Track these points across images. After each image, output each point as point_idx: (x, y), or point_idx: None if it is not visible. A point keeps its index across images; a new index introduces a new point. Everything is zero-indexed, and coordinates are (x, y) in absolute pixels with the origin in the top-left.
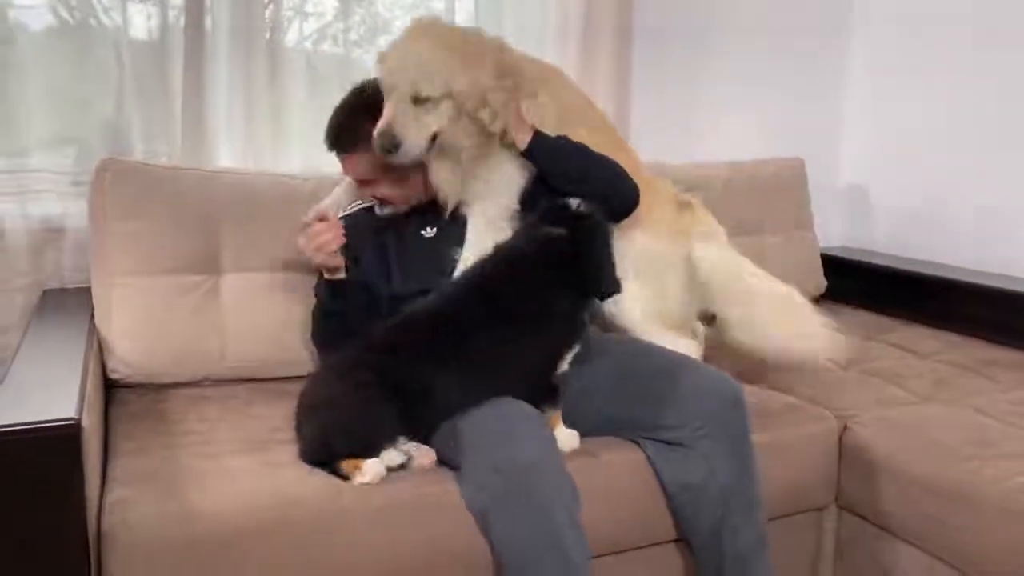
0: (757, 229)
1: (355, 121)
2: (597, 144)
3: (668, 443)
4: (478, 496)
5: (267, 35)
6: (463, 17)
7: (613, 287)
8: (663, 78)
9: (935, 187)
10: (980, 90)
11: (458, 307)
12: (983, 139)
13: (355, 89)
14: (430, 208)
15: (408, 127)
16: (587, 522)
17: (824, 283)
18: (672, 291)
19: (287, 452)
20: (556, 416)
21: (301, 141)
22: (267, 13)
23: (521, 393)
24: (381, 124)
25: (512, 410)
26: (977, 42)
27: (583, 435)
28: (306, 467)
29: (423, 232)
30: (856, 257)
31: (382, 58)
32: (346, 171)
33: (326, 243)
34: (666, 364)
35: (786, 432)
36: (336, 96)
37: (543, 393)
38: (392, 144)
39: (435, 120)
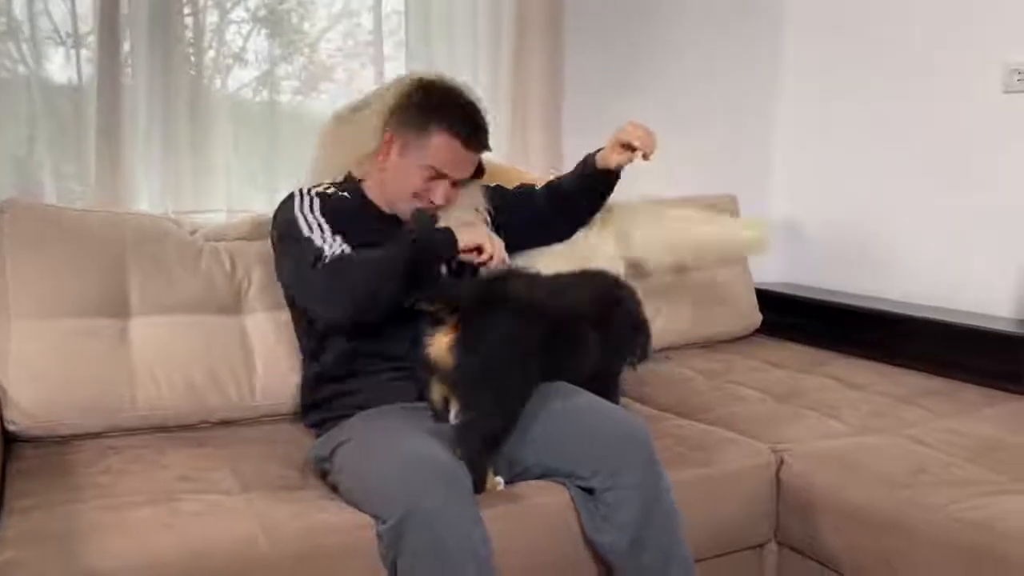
0: (692, 266)
1: (487, 122)
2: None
3: (585, 489)
4: (386, 546)
5: (190, 74)
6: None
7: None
8: (592, 116)
9: (865, 221)
10: (905, 124)
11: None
12: (911, 172)
13: (469, 88)
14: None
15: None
16: (514, 569)
17: (759, 318)
18: None
19: (198, 502)
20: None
21: (224, 180)
22: (190, 55)
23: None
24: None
25: (420, 454)
26: (900, 75)
27: (508, 481)
28: (219, 516)
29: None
30: (791, 292)
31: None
32: (460, 168)
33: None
34: (581, 411)
35: (721, 467)
36: (261, 138)
37: None
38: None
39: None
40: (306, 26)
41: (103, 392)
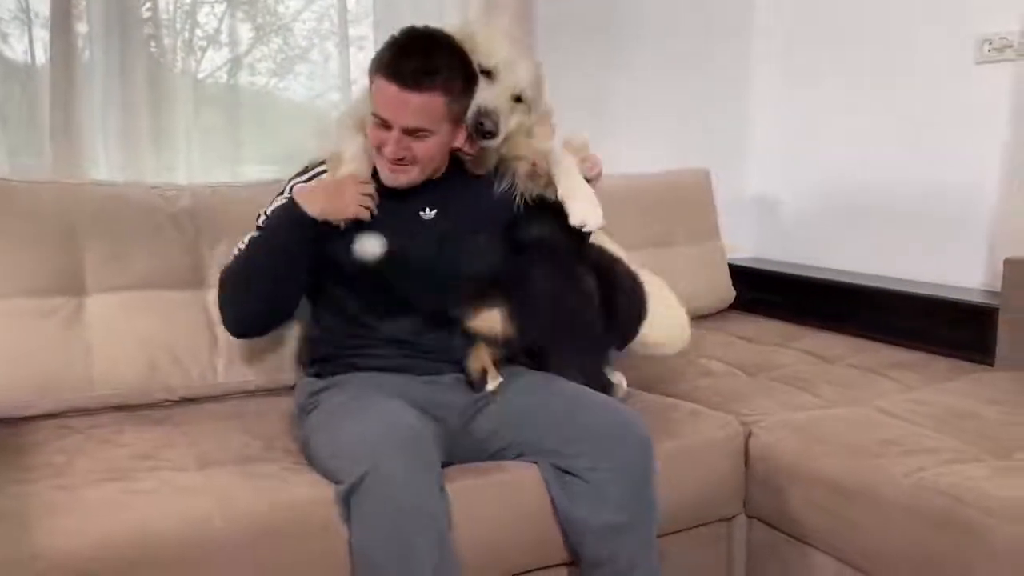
0: (664, 241)
1: (436, 58)
2: None
3: (563, 470)
4: (342, 508)
5: (150, 53)
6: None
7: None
8: (566, 86)
9: (838, 195)
10: (878, 99)
11: None
12: (884, 146)
13: (425, 28)
14: (427, 187)
15: (504, 118)
16: (480, 543)
17: (732, 294)
18: None
19: (154, 480)
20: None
21: (186, 151)
22: (145, 27)
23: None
24: (491, 101)
25: (388, 420)
26: (873, 49)
27: (488, 458)
28: (175, 494)
29: (421, 213)
30: (764, 267)
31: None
32: (397, 113)
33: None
34: (578, 397)
35: (690, 440)
36: (224, 111)
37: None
38: (494, 127)
39: (514, 123)
40: (280, 8)
41: (59, 372)
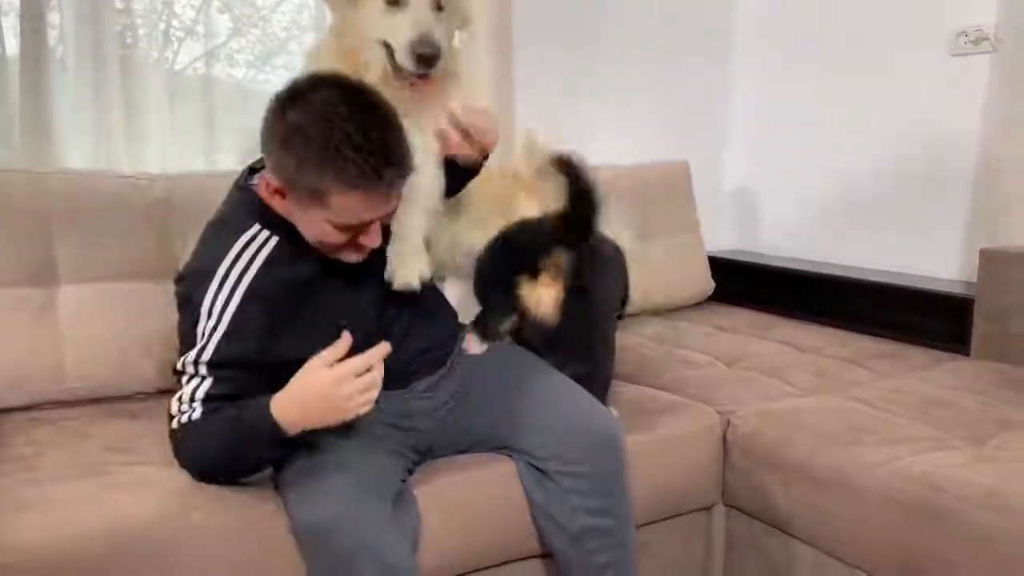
0: (643, 233)
1: (402, 140)
2: None
3: (536, 468)
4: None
5: (124, 39)
6: None
7: None
8: (546, 79)
9: (817, 188)
10: (856, 93)
11: None
12: (861, 139)
13: (360, 89)
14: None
15: (440, 35)
16: (456, 537)
17: (712, 285)
18: None
19: (127, 474)
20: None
21: (160, 143)
22: (119, 18)
23: None
24: (416, 29)
25: (341, 461)
26: (851, 43)
27: (462, 451)
28: (148, 489)
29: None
30: (744, 259)
31: None
32: (385, 210)
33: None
34: (547, 391)
35: (668, 430)
36: (200, 103)
37: None
38: (436, 51)
39: (447, 33)
40: (259, 0)
41: (29, 365)
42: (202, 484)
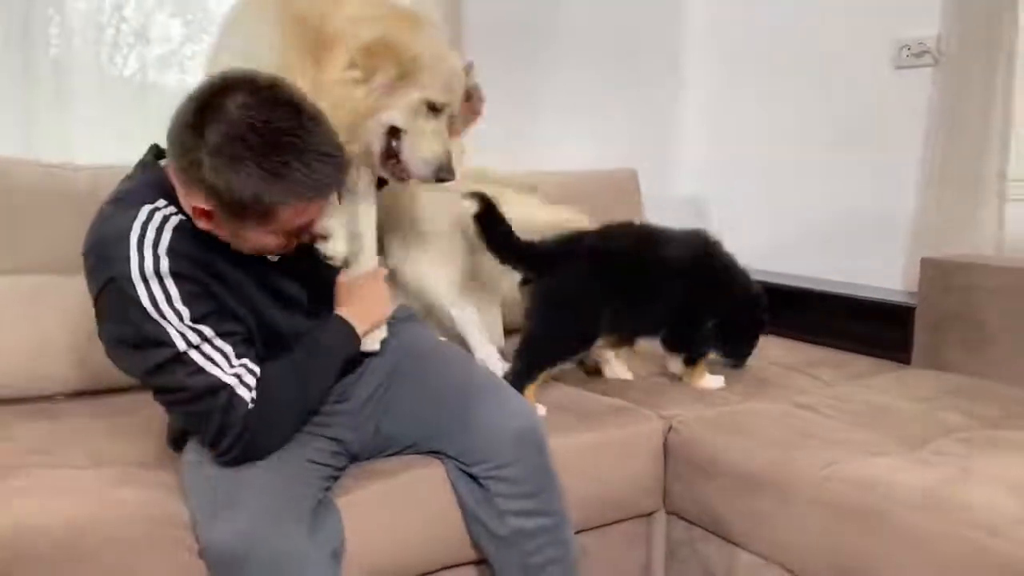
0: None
1: (333, 137)
2: None
3: (466, 473)
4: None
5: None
6: None
7: None
8: (494, 84)
9: (765, 197)
10: (805, 104)
11: None
12: (809, 150)
13: (295, 99)
14: None
15: (457, 157)
16: (384, 545)
17: None
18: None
19: (37, 477)
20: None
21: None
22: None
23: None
24: (442, 147)
25: (242, 471)
26: (799, 55)
27: (390, 455)
28: (59, 492)
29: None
30: None
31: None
32: (319, 213)
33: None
34: (466, 390)
35: (609, 434)
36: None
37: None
38: (453, 179)
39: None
40: (212, 4)
41: None
42: (123, 488)
